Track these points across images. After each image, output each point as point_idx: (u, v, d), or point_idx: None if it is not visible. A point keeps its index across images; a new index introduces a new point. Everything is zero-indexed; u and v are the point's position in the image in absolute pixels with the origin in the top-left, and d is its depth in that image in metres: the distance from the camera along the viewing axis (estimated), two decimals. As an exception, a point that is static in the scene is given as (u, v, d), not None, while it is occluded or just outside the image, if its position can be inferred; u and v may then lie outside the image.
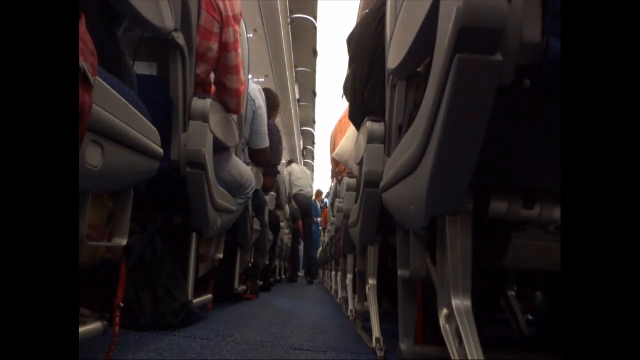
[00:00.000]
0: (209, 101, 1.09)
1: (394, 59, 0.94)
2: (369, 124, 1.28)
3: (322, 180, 11.24)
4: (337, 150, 2.07)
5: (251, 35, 4.10)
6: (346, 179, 2.03)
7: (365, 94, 1.43)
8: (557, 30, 0.57)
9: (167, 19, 0.77)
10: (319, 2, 4.96)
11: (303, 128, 9.57)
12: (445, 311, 0.68)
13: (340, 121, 2.44)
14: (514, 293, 1.59)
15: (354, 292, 1.95)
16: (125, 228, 0.68)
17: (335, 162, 2.52)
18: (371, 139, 1.28)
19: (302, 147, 10.61)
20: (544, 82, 0.61)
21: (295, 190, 4.87)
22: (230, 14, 1.17)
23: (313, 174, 13.14)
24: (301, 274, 5.60)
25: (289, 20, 4.77)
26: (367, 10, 1.51)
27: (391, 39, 1.17)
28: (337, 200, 2.86)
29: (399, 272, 0.96)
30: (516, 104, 0.62)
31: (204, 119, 1.08)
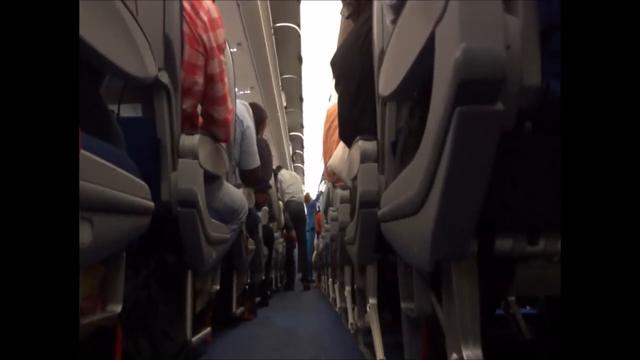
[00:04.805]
0: (197, 137, 1.06)
1: (386, 86, 0.93)
2: (361, 143, 1.26)
3: (313, 184, 11.22)
4: (331, 160, 2.04)
5: (235, 50, 4.06)
6: (339, 191, 2.00)
7: (354, 113, 1.41)
8: (556, 71, 0.56)
9: (149, 66, 0.74)
10: (301, 8, 4.94)
11: (292, 133, 9.54)
12: (454, 356, 0.67)
13: (329, 126, 2.38)
14: (514, 298, 1.59)
15: (353, 303, 1.93)
16: (119, 293, 0.65)
17: (330, 172, 2.49)
18: (364, 158, 1.26)
19: (291, 152, 10.58)
20: (545, 124, 0.59)
21: (286, 197, 4.83)
22: (214, 44, 1.14)
23: (304, 177, 13.14)
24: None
25: (272, 30, 4.74)
26: (351, 29, 1.49)
27: (379, 56, 1.16)
28: (331, 208, 2.83)
29: (402, 305, 0.94)
30: (517, 144, 0.61)
31: (193, 155, 1.05)
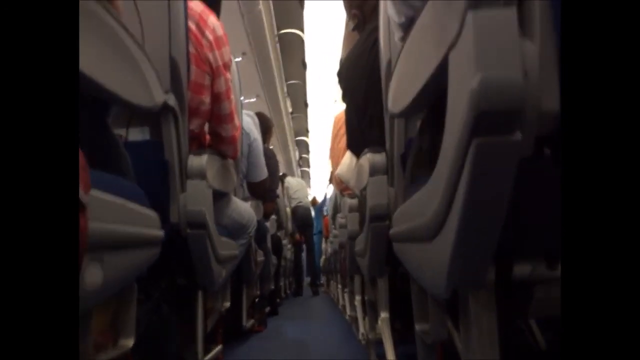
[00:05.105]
0: (205, 157, 1.05)
1: (395, 103, 0.91)
2: (370, 156, 1.25)
3: (320, 187, 11.23)
4: (338, 169, 2.02)
5: (240, 59, 4.06)
6: (347, 200, 1.99)
7: (362, 124, 1.39)
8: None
9: (156, 94, 0.73)
10: (304, 14, 4.93)
11: (297, 138, 9.54)
12: (474, 385, 0.65)
13: (336, 133, 2.36)
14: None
15: (363, 312, 1.92)
16: (131, 326, 0.64)
17: (338, 180, 2.47)
18: (373, 171, 1.24)
19: (297, 157, 10.58)
20: (565, 149, 0.58)
21: (294, 203, 4.83)
22: (220, 63, 1.13)
23: (310, 181, 13.15)
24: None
25: (277, 38, 4.73)
26: (356, 40, 1.47)
27: (387, 67, 1.14)
28: (339, 215, 2.81)
29: (417, 327, 0.92)
30: (535, 170, 0.59)
31: (202, 176, 1.04)
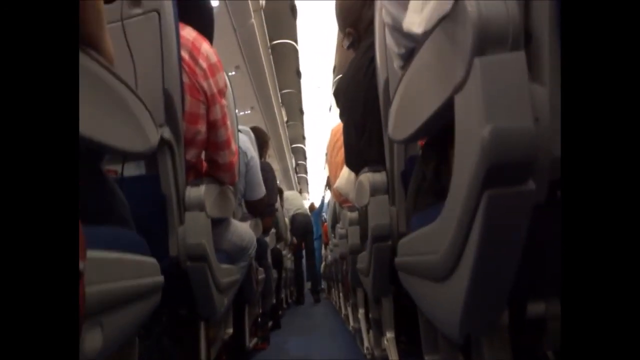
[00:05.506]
0: (202, 188, 1.03)
1: (397, 131, 0.89)
2: (370, 175, 1.23)
3: (317, 193, 11.23)
4: (337, 182, 2.00)
5: (233, 73, 4.04)
6: (348, 213, 1.96)
7: (361, 143, 1.37)
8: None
9: (151, 135, 0.71)
10: (297, 24, 4.92)
11: (293, 145, 9.52)
12: None
13: (333, 146, 2.34)
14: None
15: (368, 325, 1.89)
16: (133, 381, 0.62)
17: (337, 193, 2.44)
18: (374, 191, 1.22)
19: (294, 164, 10.57)
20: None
21: (291, 212, 4.81)
22: (215, 90, 1.10)
23: (308, 187, 13.17)
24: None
25: (270, 49, 4.72)
26: (352, 58, 1.45)
27: (384, 85, 1.12)
28: (338, 225, 2.79)
29: (426, 358, 0.90)
30: (547, 213, 0.57)
31: (200, 207, 1.02)
